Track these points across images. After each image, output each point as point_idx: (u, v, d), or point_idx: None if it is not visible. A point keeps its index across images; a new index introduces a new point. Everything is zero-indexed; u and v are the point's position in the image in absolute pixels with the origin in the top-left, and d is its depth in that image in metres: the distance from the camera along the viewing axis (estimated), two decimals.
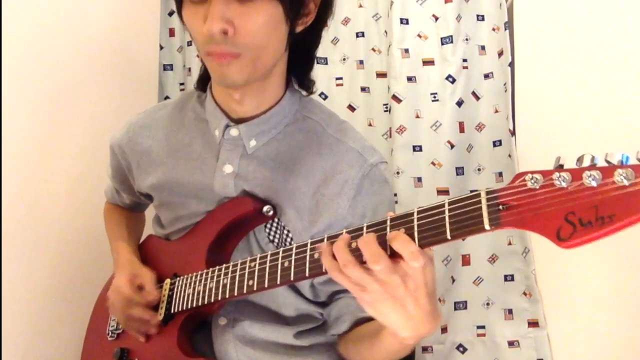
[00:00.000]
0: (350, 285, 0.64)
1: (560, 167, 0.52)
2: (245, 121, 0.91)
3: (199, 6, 0.78)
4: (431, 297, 0.64)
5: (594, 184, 0.49)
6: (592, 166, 0.50)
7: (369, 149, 0.92)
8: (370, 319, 0.86)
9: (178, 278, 0.92)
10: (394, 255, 0.62)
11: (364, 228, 0.66)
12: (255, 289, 0.78)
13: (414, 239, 0.61)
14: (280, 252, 0.75)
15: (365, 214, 0.89)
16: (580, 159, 0.51)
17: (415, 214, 0.62)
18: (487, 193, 0.56)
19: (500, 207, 0.54)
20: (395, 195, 1.70)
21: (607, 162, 0.49)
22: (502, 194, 0.55)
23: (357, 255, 0.63)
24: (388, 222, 0.64)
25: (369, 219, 0.88)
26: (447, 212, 0.59)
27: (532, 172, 0.53)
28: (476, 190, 0.57)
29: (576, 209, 0.49)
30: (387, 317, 0.65)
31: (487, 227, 0.55)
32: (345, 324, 0.90)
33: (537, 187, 0.52)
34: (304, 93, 0.97)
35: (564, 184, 0.50)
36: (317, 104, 0.99)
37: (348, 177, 0.88)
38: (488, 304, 1.72)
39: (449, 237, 0.58)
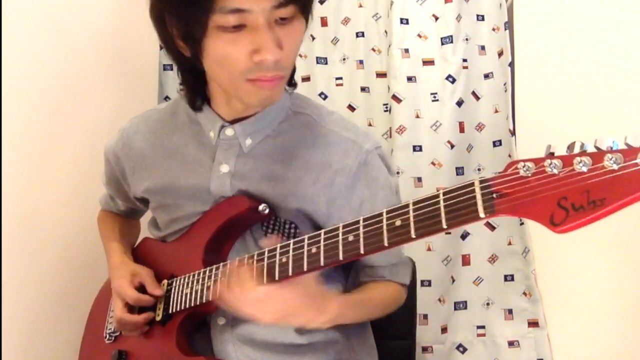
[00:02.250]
0: None
1: (551, 155, 0.53)
2: (239, 121, 0.92)
3: (237, 35, 0.76)
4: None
5: (584, 169, 0.50)
6: (582, 152, 0.51)
7: (362, 136, 0.94)
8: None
9: (175, 278, 0.92)
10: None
11: (361, 221, 0.67)
12: None
13: (410, 230, 0.62)
14: (278, 248, 0.76)
15: (364, 199, 0.91)
16: (570, 146, 0.52)
17: (411, 205, 0.63)
18: (481, 182, 0.57)
19: (494, 195, 0.55)
20: None
21: (597, 148, 0.50)
22: (495, 182, 0.56)
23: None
24: (384, 214, 0.65)
25: (369, 204, 0.90)
26: (442, 202, 0.60)
27: (524, 160, 0.54)
28: (469, 180, 0.58)
29: (568, 194, 0.50)
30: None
31: (481, 214, 0.56)
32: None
33: (529, 175, 0.53)
34: (290, 89, 0.97)
35: (555, 171, 0.52)
36: (305, 98, 1.00)
37: (345, 166, 0.90)
38: (488, 304, 1.72)
39: (444, 226, 0.59)
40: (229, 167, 0.91)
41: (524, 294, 1.70)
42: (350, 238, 0.66)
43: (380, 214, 0.65)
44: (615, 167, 0.48)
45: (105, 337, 1.02)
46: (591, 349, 1.55)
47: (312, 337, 0.93)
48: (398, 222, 0.63)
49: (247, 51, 0.76)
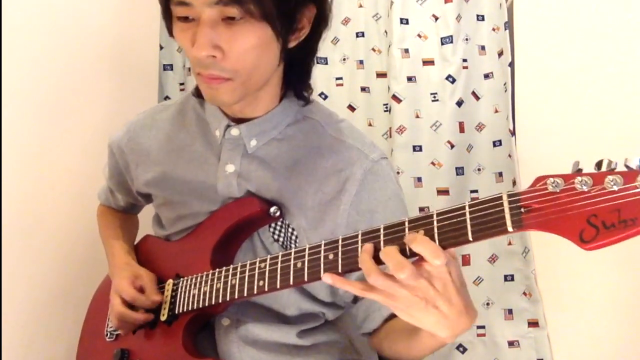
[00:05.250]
0: (379, 297, 0.64)
1: (579, 171, 0.53)
2: (246, 121, 0.91)
3: (188, 26, 0.78)
4: (462, 293, 0.64)
5: (615, 188, 0.50)
6: (612, 170, 0.51)
7: (370, 146, 0.92)
8: None
9: (181, 279, 0.92)
10: (413, 256, 0.62)
11: (381, 229, 0.66)
12: (266, 289, 0.77)
13: (434, 240, 0.61)
14: (293, 253, 0.75)
15: (375, 210, 0.88)
16: (598, 164, 0.52)
17: (435, 215, 0.62)
18: (509, 196, 0.57)
19: (522, 209, 0.56)
20: None
21: (627, 167, 0.50)
22: (523, 196, 0.56)
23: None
24: (406, 223, 0.64)
25: (381, 215, 0.88)
26: (467, 214, 0.59)
27: (553, 176, 0.54)
28: (497, 194, 0.58)
29: (599, 212, 0.51)
30: (423, 321, 0.65)
31: (510, 229, 0.56)
32: (374, 322, 0.90)
33: (558, 191, 0.54)
34: (301, 103, 0.95)
35: (585, 188, 0.52)
36: (316, 103, 0.98)
37: (350, 174, 0.88)
38: (488, 304, 1.72)
39: (470, 238, 0.59)
40: (234, 167, 0.90)
41: (524, 294, 1.70)
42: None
43: (402, 223, 0.64)
44: None
45: (106, 335, 1.02)
46: (591, 349, 1.55)
47: (314, 338, 0.92)
48: (422, 233, 0.62)
49: (190, 43, 0.77)
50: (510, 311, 1.71)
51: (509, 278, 1.72)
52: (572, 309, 1.60)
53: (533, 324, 1.68)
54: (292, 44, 0.84)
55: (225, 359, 0.89)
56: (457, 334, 0.67)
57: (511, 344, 1.70)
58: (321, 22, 0.87)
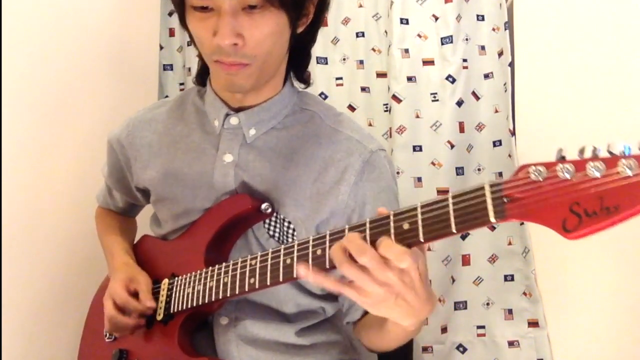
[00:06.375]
0: (351, 293, 0.64)
1: (562, 159, 0.52)
2: (245, 110, 0.92)
3: (206, 16, 0.80)
4: (426, 284, 0.65)
5: (597, 174, 0.49)
6: (595, 157, 0.50)
7: (368, 137, 0.94)
8: None
9: (176, 278, 0.92)
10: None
11: (367, 223, 0.65)
12: (257, 286, 0.78)
13: (418, 234, 0.61)
14: (282, 249, 0.75)
15: (366, 202, 0.89)
16: (582, 150, 0.51)
17: (419, 208, 0.62)
18: (491, 186, 0.56)
19: (505, 199, 0.54)
20: None
21: (610, 152, 0.49)
22: (506, 186, 0.55)
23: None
24: (391, 217, 0.63)
25: (370, 206, 0.89)
26: (451, 205, 0.59)
27: (535, 164, 0.53)
28: (480, 184, 0.57)
29: (581, 199, 0.49)
30: (391, 313, 0.66)
31: (492, 219, 0.55)
32: (358, 311, 0.92)
33: (541, 179, 0.52)
34: (302, 86, 0.99)
35: (567, 175, 0.50)
36: (314, 96, 1.01)
37: (348, 164, 0.89)
38: (488, 304, 1.72)
39: (454, 230, 0.58)
40: (232, 156, 0.91)
41: (524, 294, 1.69)
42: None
43: (387, 217, 0.64)
44: (629, 173, 0.47)
45: (106, 335, 1.02)
46: (591, 349, 1.55)
47: (313, 338, 0.93)
48: (406, 226, 0.62)
49: (210, 32, 0.79)
50: (510, 311, 1.71)
51: (509, 278, 1.72)
52: (572, 309, 1.60)
53: (533, 324, 1.68)
54: (299, 30, 0.88)
55: (223, 358, 0.89)
56: (420, 320, 0.70)
57: (511, 344, 1.69)
58: (323, 8, 0.91)
